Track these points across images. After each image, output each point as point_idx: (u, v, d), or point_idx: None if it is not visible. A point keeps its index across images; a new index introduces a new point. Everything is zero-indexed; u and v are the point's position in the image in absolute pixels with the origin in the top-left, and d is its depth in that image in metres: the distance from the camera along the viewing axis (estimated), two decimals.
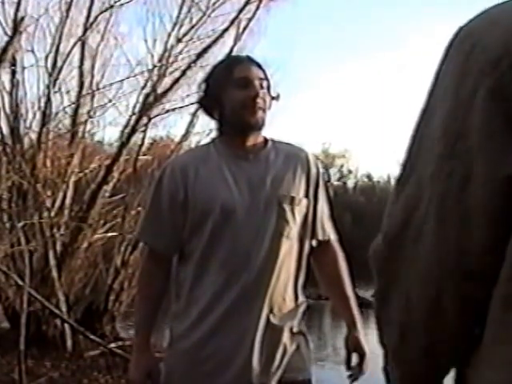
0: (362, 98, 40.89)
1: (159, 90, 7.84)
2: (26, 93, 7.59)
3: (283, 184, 1.88)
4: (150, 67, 8.14)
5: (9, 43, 6.78)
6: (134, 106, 8.02)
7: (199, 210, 1.84)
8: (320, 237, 1.98)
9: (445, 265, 0.69)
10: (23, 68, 7.56)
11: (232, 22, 8.03)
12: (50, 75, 7.57)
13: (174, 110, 8.26)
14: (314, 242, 1.98)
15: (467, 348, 0.70)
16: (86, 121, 8.03)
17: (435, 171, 0.69)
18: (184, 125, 8.50)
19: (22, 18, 7.09)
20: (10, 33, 6.98)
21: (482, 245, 0.66)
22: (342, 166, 31.69)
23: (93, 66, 8.13)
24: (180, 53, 8.22)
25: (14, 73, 7.37)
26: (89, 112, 7.97)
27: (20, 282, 5.86)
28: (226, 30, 8.04)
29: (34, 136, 7.55)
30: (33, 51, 7.70)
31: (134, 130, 7.72)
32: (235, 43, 8.17)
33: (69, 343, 6.73)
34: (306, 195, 1.93)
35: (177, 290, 1.91)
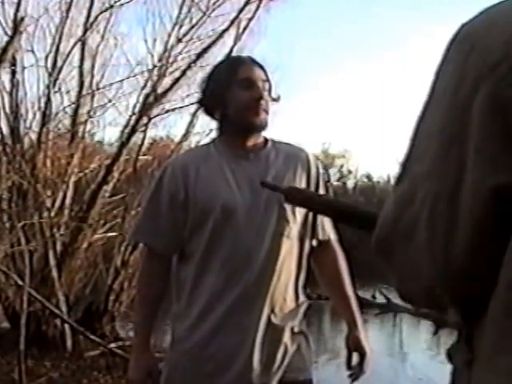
0: (361, 98, 40.88)
1: (159, 90, 7.84)
2: (26, 93, 7.59)
3: (284, 184, 1.88)
4: (150, 67, 8.14)
5: (9, 43, 6.78)
6: (134, 106, 8.02)
7: (200, 209, 1.84)
8: (320, 236, 1.99)
9: (434, 264, 0.69)
10: (23, 68, 7.56)
11: (232, 22, 8.03)
12: (50, 75, 7.57)
13: (173, 110, 8.27)
14: (314, 242, 1.98)
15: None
16: (85, 121, 8.03)
17: (430, 171, 0.69)
18: (184, 125, 8.50)
19: (22, 18, 7.09)
20: (10, 33, 6.98)
21: (465, 252, 0.67)
22: (341, 167, 31.66)
23: (93, 66, 8.13)
24: (180, 53, 8.22)
25: (13, 73, 7.37)
26: (89, 112, 7.97)
27: (20, 282, 5.86)
28: (226, 30, 8.04)
29: (34, 136, 7.55)
30: (33, 51, 7.70)
31: (133, 130, 7.72)
32: (235, 43, 8.17)
33: (69, 343, 6.73)
34: None
35: (177, 290, 1.91)
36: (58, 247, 7.22)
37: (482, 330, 0.67)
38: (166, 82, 7.94)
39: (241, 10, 8.02)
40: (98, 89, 8.10)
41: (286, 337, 1.88)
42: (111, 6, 7.93)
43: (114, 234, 7.84)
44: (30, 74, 7.84)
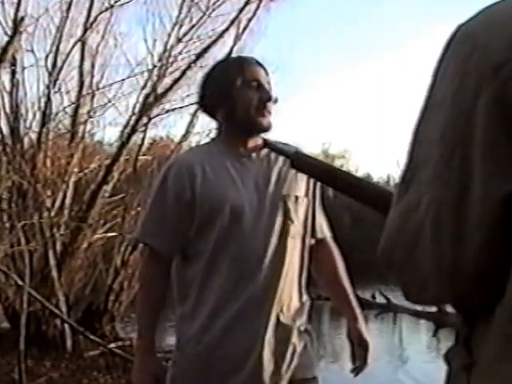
0: (361, 98, 40.90)
1: (159, 90, 7.85)
2: (26, 93, 7.61)
3: (286, 183, 1.89)
4: (150, 67, 8.15)
5: (9, 43, 6.78)
6: (134, 106, 8.03)
7: (208, 209, 1.82)
8: (319, 235, 2.01)
9: (441, 273, 0.68)
10: (23, 68, 7.57)
11: (232, 22, 8.03)
12: (50, 75, 7.58)
13: (173, 110, 8.28)
14: (312, 241, 1.99)
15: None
16: (85, 121, 8.04)
17: (433, 177, 0.67)
18: (184, 125, 8.51)
19: (22, 18, 7.09)
20: (10, 33, 6.98)
21: (475, 261, 0.65)
22: (341, 167, 31.67)
23: (93, 66, 8.14)
24: (180, 53, 8.23)
25: (14, 73, 7.37)
26: (89, 112, 7.98)
27: (20, 282, 5.86)
28: (226, 30, 8.04)
29: (34, 136, 7.56)
30: (33, 51, 7.72)
31: (133, 130, 7.73)
32: (235, 43, 8.17)
33: (69, 343, 6.73)
34: (306, 194, 1.95)
35: (181, 291, 1.88)
36: (58, 247, 7.22)
37: (483, 334, 0.66)
38: (166, 82, 7.95)
39: (241, 10, 8.03)
40: (98, 89, 8.11)
41: (294, 336, 1.88)
42: (111, 6, 7.94)
43: (113, 234, 7.84)
44: (30, 74, 7.85)
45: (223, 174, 1.85)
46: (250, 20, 8.17)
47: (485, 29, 0.67)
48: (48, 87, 7.51)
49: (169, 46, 8.13)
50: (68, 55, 7.79)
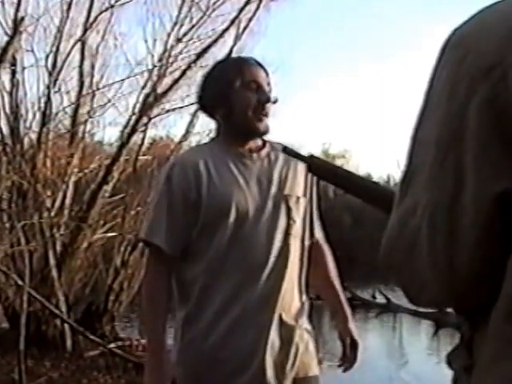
0: (361, 98, 40.90)
1: (159, 90, 7.85)
2: (26, 93, 7.61)
3: (288, 183, 1.90)
4: (150, 67, 8.14)
5: (9, 43, 6.78)
6: (134, 106, 8.03)
7: (214, 210, 1.81)
8: (316, 235, 2.03)
9: (438, 276, 0.69)
10: (23, 68, 7.56)
11: (232, 22, 8.03)
12: (50, 75, 7.58)
13: (173, 110, 8.28)
14: (309, 241, 2.00)
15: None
16: (85, 121, 8.04)
17: (428, 180, 0.68)
18: (184, 125, 8.51)
19: (22, 18, 7.09)
20: (10, 33, 6.98)
21: (470, 263, 0.66)
22: (341, 167, 31.66)
23: (93, 66, 8.14)
24: (180, 53, 8.22)
25: (14, 73, 7.37)
26: (89, 112, 7.97)
27: (20, 282, 5.85)
28: (226, 29, 8.04)
29: (33, 136, 7.56)
30: (33, 51, 7.72)
31: (133, 130, 7.72)
32: (235, 43, 8.17)
33: (68, 343, 6.73)
34: (305, 194, 1.96)
35: (182, 292, 1.87)
36: (58, 247, 7.22)
37: (483, 335, 0.67)
38: (166, 81, 7.95)
39: (241, 10, 8.03)
40: (98, 89, 8.11)
41: (297, 335, 1.89)
42: (111, 6, 7.94)
43: (113, 234, 7.83)
44: (30, 74, 7.84)
45: (227, 174, 1.85)
46: (250, 20, 8.17)
47: (476, 33, 0.68)
48: (48, 87, 7.51)
49: (169, 46, 8.13)
50: (68, 55, 7.79)
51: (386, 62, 39.59)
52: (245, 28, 8.20)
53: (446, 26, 0.72)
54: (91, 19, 7.83)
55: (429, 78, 0.72)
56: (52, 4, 7.85)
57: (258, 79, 1.86)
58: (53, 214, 7.19)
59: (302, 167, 1.95)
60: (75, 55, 7.88)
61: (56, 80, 7.60)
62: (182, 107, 8.21)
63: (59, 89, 7.70)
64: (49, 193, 7.33)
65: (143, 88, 8.06)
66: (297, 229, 1.89)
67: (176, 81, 7.89)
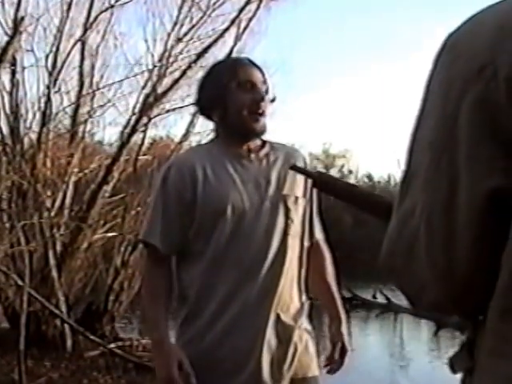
0: (362, 97, 40.92)
1: (159, 90, 7.84)
2: (26, 93, 7.60)
3: (286, 184, 1.90)
4: (150, 67, 8.14)
5: (9, 43, 6.77)
6: (134, 106, 8.02)
7: (210, 210, 1.83)
8: (316, 235, 2.03)
9: (437, 276, 0.69)
10: (23, 68, 7.56)
11: (232, 22, 8.02)
12: (50, 75, 7.57)
13: (174, 109, 8.27)
14: (308, 241, 2.01)
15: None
16: (85, 121, 8.03)
17: (424, 183, 0.69)
18: (184, 125, 8.50)
19: (22, 18, 7.09)
20: (10, 33, 6.98)
21: (467, 261, 0.66)
22: (342, 167, 31.69)
23: (93, 66, 8.13)
24: (180, 53, 8.22)
25: (14, 73, 7.37)
26: (89, 112, 7.97)
27: (20, 282, 5.86)
28: (226, 29, 8.04)
29: (33, 136, 7.56)
30: (33, 51, 7.71)
31: (134, 130, 7.72)
32: (235, 43, 8.17)
33: (68, 343, 6.73)
34: (304, 194, 1.96)
35: (182, 292, 1.88)
36: (58, 247, 7.22)
37: (483, 337, 0.67)
38: (167, 81, 7.94)
39: (241, 10, 8.02)
40: (98, 89, 8.10)
41: (296, 335, 1.89)
42: (111, 6, 7.93)
43: (113, 234, 7.83)
44: (30, 74, 7.84)
45: (224, 174, 1.86)
46: (250, 20, 8.16)
47: (467, 36, 0.69)
48: (48, 87, 7.51)
49: (169, 46, 8.12)
50: (68, 55, 7.79)
51: (387, 62, 39.61)
52: (245, 28, 8.19)
53: (447, 27, 0.73)
54: (91, 19, 7.83)
55: (426, 81, 0.73)
56: (52, 4, 7.86)
57: (252, 79, 1.87)
58: (53, 214, 7.18)
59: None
60: (75, 55, 7.89)
61: (56, 80, 7.60)
62: (182, 107, 8.21)
63: (59, 89, 7.70)
64: (49, 193, 7.33)
65: (143, 88, 8.06)
66: (295, 229, 1.89)
67: (176, 81, 7.88)
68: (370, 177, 32.11)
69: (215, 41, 8.00)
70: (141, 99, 7.96)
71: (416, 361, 7.82)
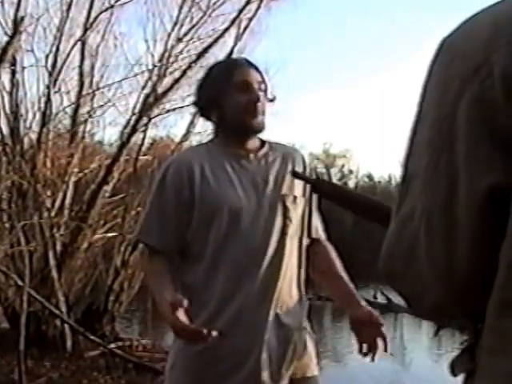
0: (362, 97, 40.96)
1: (159, 90, 7.84)
2: (26, 93, 7.60)
3: (285, 183, 1.91)
4: (150, 67, 8.14)
5: (9, 43, 6.77)
6: (134, 106, 8.02)
7: (207, 210, 1.83)
8: (313, 235, 2.02)
9: (438, 278, 0.69)
10: (23, 68, 7.56)
11: (232, 22, 8.02)
12: (50, 75, 7.57)
13: (174, 109, 8.28)
14: (307, 241, 2.00)
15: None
16: (85, 121, 8.03)
17: (423, 185, 0.69)
18: (184, 125, 8.50)
19: (22, 18, 7.09)
20: (9, 33, 6.98)
21: (467, 260, 0.66)
22: (342, 166, 31.72)
23: (93, 66, 8.13)
24: (180, 52, 8.22)
25: (13, 73, 7.37)
26: (89, 112, 7.97)
27: (20, 282, 5.85)
28: (226, 29, 8.04)
29: (33, 136, 7.56)
30: (33, 51, 7.71)
31: (134, 130, 7.72)
32: (236, 43, 8.17)
33: (69, 343, 6.72)
34: (304, 194, 1.96)
35: (182, 294, 1.87)
36: (58, 247, 7.21)
37: (483, 337, 0.67)
38: (167, 81, 7.94)
39: (241, 10, 8.02)
40: (98, 89, 8.10)
41: (295, 335, 1.89)
42: (111, 6, 7.93)
43: (113, 234, 7.83)
44: (30, 74, 7.85)
45: (221, 174, 1.87)
46: (250, 20, 8.16)
47: (463, 37, 0.69)
48: (48, 87, 7.50)
49: (169, 46, 8.12)
50: (68, 55, 7.79)
51: (387, 62, 39.63)
52: (245, 28, 8.20)
53: (447, 27, 0.73)
54: (91, 19, 7.83)
55: (422, 84, 0.73)
56: (52, 4, 7.86)
57: (247, 79, 1.88)
58: (53, 214, 7.18)
59: (299, 167, 1.96)
60: (75, 55, 7.89)
61: (56, 80, 7.60)
62: (182, 107, 8.21)
63: (59, 89, 7.70)
64: (49, 193, 7.33)
65: (143, 88, 8.06)
66: (293, 228, 1.89)
67: (176, 81, 7.88)
68: (370, 177, 32.13)
69: (215, 41, 8.00)
70: (141, 99, 7.97)
71: (416, 361, 7.82)
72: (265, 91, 1.91)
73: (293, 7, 11.57)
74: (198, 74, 7.54)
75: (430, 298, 0.71)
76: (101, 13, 7.90)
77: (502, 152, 0.63)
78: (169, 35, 8.19)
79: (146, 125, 8.04)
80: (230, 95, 1.87)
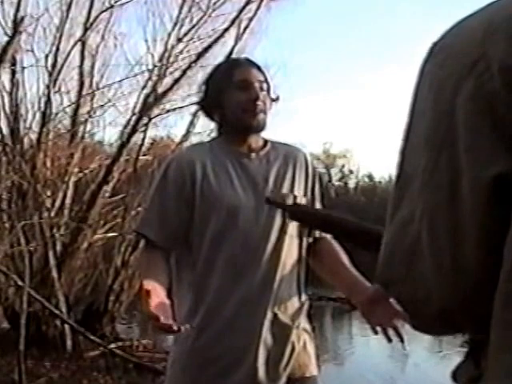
0: (362, 97, 40.97)
1: (159, 90, 7.84)
2: (25, 93, 7.60)
3: (285, 182, 1.91)
4: (151, 67, 8.14)
5: (9, 43, 6.77)
6: (134, 106, 8.02)
7: (205, 208, 1.84)
8: (317, 234, 2.01)
9: (444, 280, 0.67)
10: (23, 68, 7.56)
11: (233, 22, 8.02)
12: (50, 75, 7.57)
13: (174, 109, 8.27)
14: (311, 239, 1.99)
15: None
16: (85, 121, 8.03)
17: (423, 184, 0.68)
18: (184, 125, 8.49)
19: (22, 18, 7.09)
20: (9, 33, 6.98)
21: (476, 257, 0.64)
22: (343, 167, 31.76)
23: (93, 66, 8.13)
24: (180, 52, 8.22)
25: (13, 73, 7.37)
26: (89, 112, 7.97)
27: (20, 282, 5.85)
28: (226, 29, 8.03)
29: (33, 136, 7.55)
30: (33, 51, 7.71)
31: (134, 130, 7.71)
32: (236, 43, 8.17)
33: (69, 344, 6.72)
34: (305, 194, 1.96)
35: (180, 291, 1.89)
36: (58, 247, 7.21)
37: (490, 337, 0.65)
38: (167, 81, 7.94)
39: (241, 10, 8.01)
40: (98, 89, 8.10)
41: (293, 334, 1.89)
42: (111, 6, 7.93)
43: (114, 234, 7.83)
44: (30, 74, 7.85)
45: (222, 172, 1.88)
46: (250, 20, 8.16)
47: (456, 38, 0.69)
48: (48, 87, 7.50)
49: (169, 46, 8.12)
50: (68, 55, 7.78)
51: (387, 62, 39.65)
52: (245, 28, 8.19)
53: (442, 26, 0.73)
54: (91, 19, 7.82)
55: (413, 89, 0.73)
56: (52, 4, 7.85)
57: (248, 78, 1.89)
58: (53, 214, 7.18)
59: (301, 167, 1.96)
60: (75, 55, 7.89)
61: (56, 80, 7.60)
62: (182, 107, 8.21)
63: (59, 89, 7.70)
64: (49, 193, 7.33)
65: (143, 88, 8.06)
66: (293, 227, 1.89)
67: (176, 81, 7.88)
68: (370, 177, 32.17)
69: (215, 41, 7.99)
70: (141, 99, 7.96)
71: (416, 361, 7.81)
72: (267, 90, 1.91)
73: (292, 7, 11.56)
74: (198, 74, 7.55)
75: (435, 302, 0.69)
76: (101, 13, 7.90)
77: (505, 146, 0.62)
78: (169, 35, 8.20)
79: (146, 125, 8.03)
80: (230, 94, 1.88)
